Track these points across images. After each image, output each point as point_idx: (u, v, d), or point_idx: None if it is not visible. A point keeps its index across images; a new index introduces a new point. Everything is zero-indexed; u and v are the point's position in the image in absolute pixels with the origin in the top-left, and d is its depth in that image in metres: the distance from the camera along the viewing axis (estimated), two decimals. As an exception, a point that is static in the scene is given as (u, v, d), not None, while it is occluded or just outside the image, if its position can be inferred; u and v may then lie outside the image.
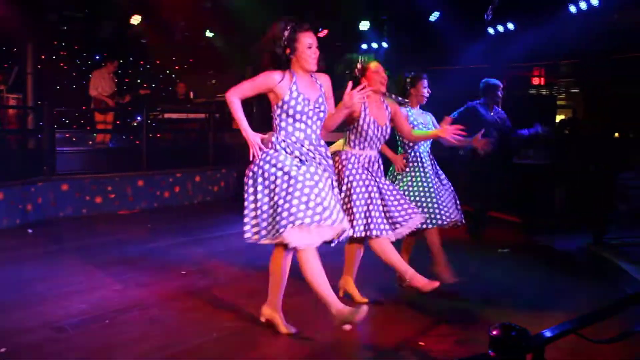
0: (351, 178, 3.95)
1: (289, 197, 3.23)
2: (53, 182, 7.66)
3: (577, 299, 4.54)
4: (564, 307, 4.27)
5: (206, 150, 10.01)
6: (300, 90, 3.39)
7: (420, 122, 4.68)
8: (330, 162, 3.57)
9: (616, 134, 10.02)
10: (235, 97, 3.41)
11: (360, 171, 3.99)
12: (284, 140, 3.38)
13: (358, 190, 3.93)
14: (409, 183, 4.61)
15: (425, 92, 4.70)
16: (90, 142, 10.15)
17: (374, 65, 4.09)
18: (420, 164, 4.66)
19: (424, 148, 4.74)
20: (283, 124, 3.41)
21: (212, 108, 11.45)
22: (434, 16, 9.72)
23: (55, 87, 11.60)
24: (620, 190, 6.44)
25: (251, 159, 3.40)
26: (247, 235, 3.42)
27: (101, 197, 8.09)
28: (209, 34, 11.10)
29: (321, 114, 3.47)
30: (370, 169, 4.05)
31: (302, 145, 3.39)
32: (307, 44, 3.38)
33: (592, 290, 4.76)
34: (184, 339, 3.56)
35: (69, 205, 7.76)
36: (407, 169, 4.65)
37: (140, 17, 10.41)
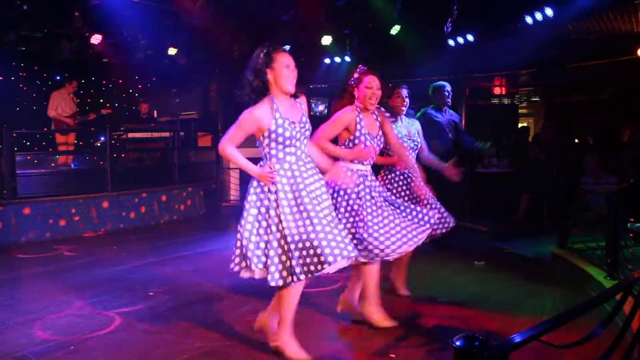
0: (350, 202, 3.85)
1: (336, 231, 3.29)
2: (14, 205, 7.50)
3: (543, 303, 4.64)
4: (531, 312, 4.38)
5: (171, 169, 9.93)
6: (284, 116, 3.34)
7: (405, 135, 4.67)
8: (321, 175, 3.53)
9: (576, 140, 10.30)
10: (229, 147, 3.38)
11: (356, 190, 3.86)
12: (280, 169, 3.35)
13: (354, 214, 3.82)
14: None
15: (400, 102, 4.69)
16: (53, 164, 9.97)
17: (367, 79, 3.93)
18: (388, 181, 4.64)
19: None
20: (273, 152, 3.36)
21: (176, 126, 11.36)
22: (395, 29, 9.85)
23: (15, 109, 11.38)
24: (581, 195, 6.60)
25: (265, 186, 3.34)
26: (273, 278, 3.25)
27: (65, 220, 7.94)
28: (171, 51, 11.00)
29: (307, 132, 3.46)
30: (367, 185, 3.93)
31: (296, 169, 3.37)
32: (285, 64, 3.34)
33: (557, 294, 4.87)
34: (152, 362, 3.50)
35: (31, 229, 7.60)
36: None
37: (100, 36, 10.30)
